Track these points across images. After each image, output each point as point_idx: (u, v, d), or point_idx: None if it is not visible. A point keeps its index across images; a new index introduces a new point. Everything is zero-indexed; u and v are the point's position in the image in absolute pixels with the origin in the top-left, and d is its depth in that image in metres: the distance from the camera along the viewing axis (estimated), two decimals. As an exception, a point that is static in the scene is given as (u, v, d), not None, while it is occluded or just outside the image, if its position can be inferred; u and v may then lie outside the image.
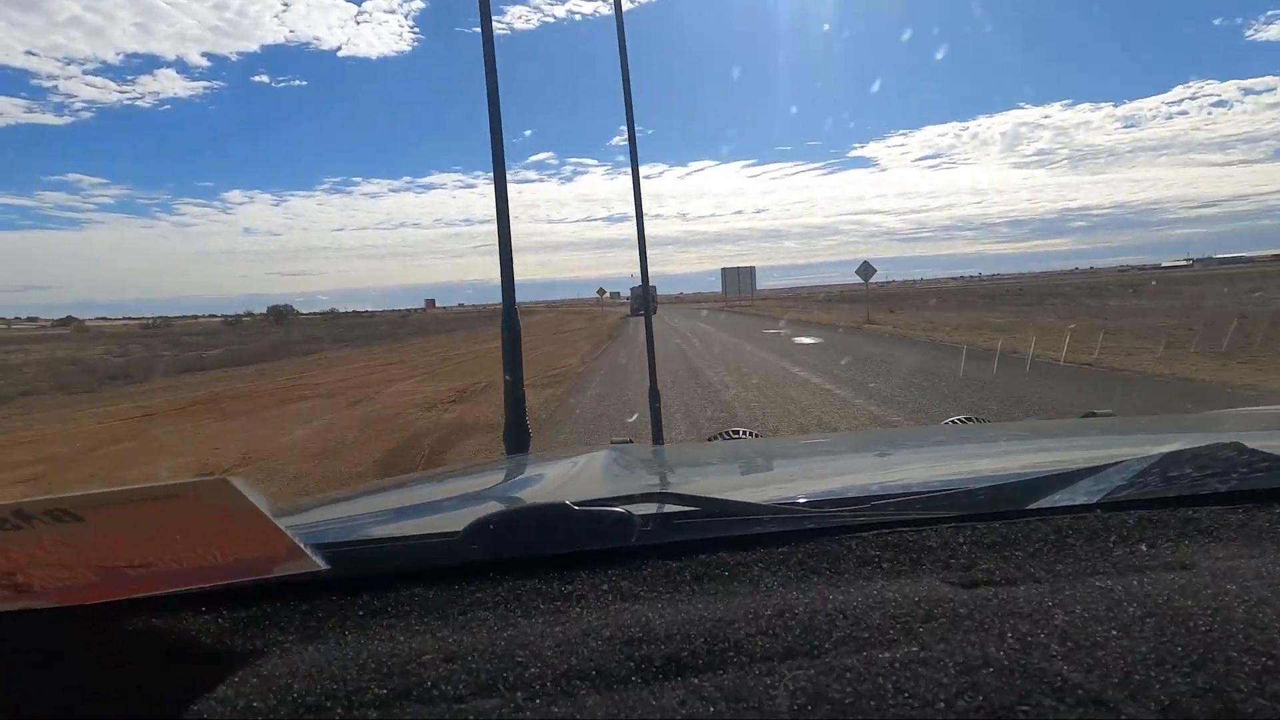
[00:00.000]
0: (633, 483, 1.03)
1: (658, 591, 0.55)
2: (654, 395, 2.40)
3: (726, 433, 1.68)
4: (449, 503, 0.93)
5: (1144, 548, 0.57)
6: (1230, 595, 0.46)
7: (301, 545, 0.50)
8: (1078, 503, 0.66)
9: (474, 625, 0.53)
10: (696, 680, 0.41)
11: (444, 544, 0.63)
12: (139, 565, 0.47)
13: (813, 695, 0.39)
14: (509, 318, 1.85)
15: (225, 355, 21.93)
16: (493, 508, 0.68)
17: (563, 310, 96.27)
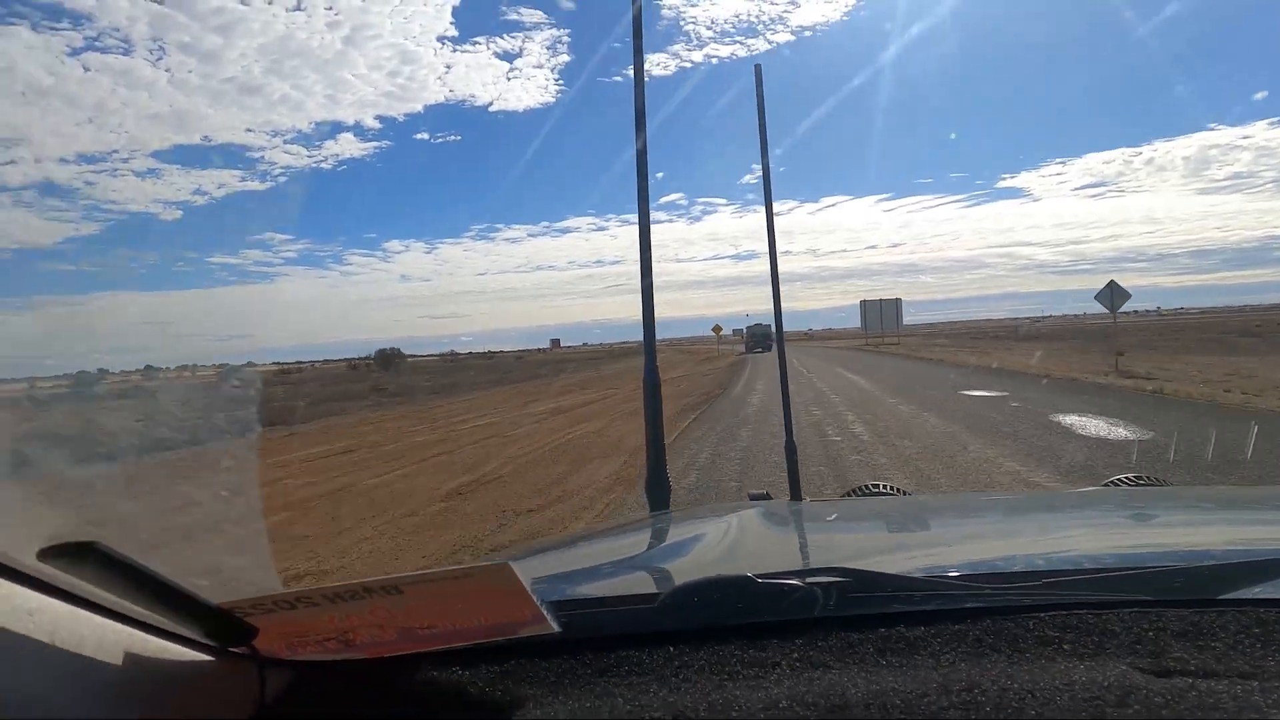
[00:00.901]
0: (790, 546, 1.07)
1: (845, 662, 0.58)
2: (790, 449, 2.51)
3: (865, 487, 1.62)
4: (641, 560, 1.01)
5: None
6: None
7: (543, 610, 0.59)
8: (1272, 596, 0.61)
9: (686, 687, 0.58)
10: None
11: (650, 610, 0.68)
12: (427, 626, 0.59)
13: None
14: (650, 373, 2.05)
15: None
16: (685, 575, 0.75)
17: (680, 349, 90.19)
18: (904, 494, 1.68)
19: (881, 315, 55.55)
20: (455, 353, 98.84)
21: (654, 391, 1.97)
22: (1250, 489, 1.69)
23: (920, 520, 1.23)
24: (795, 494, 2.39)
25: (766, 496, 1.68)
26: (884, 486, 1.69)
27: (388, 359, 60.37)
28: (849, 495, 1.60)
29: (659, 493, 1.94)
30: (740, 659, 0.60)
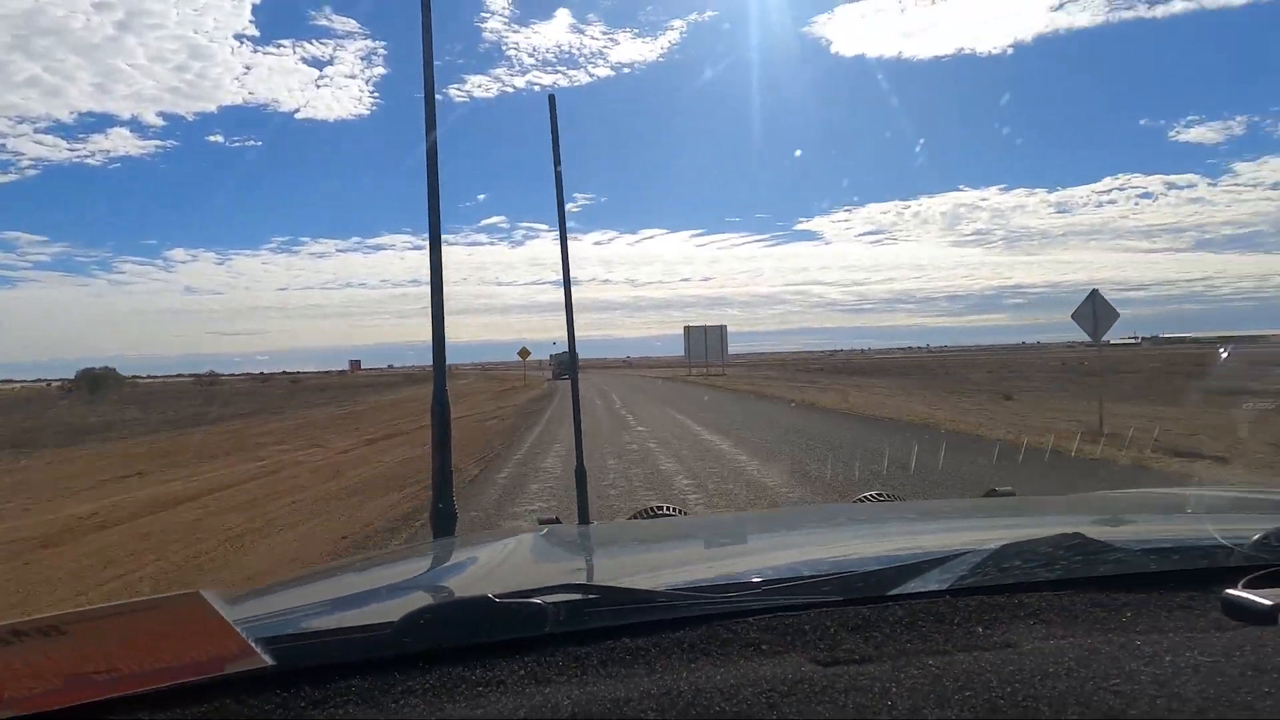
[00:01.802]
0: (555, 569, 1.08)
1: (568, 675, 0.60)
2: (580, 475, 2.49)
3: (650, 509, 1.69)
4: (382, 592, 0.94)
5: (980, 629, 0.64)
6: (1041, 672, 0.53)
7: (250, 642, 0.57)
8: (929, 589, 0.71)
9: (405, 711, 0.57)
10: None
11: (377, 637, 0.66)
12: (105, 671, 0.53)
13: None
14: (440, 395, 1.91)
15: None
16: (423, 600, 0.75)
17: (491, 374, 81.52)
18: (684, 514, 1.74)
19: (706, 342, 50.61)
20: (214, 373, 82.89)
21: (442, 417, 1.85)
22: (963, 501, 2.02)
23: (687, 538, 1.32)
24: (583, 518, 2.39)
25: (556, 521, 1.78)
26: (667, 508, 1.70)
27: (97, 381, 46.71)
28: (635, 517, 1.64)
29: (443, 521, 1.79)
30: (467, 680, 0.60)
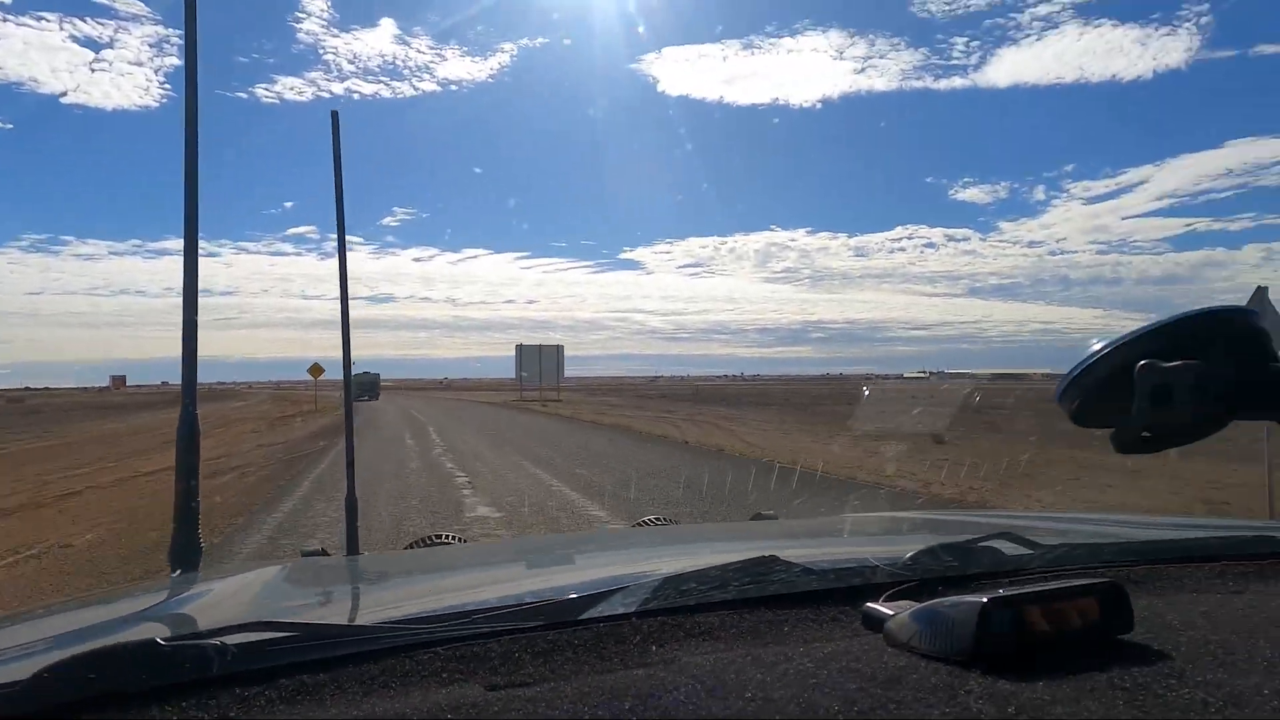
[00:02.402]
0: (279, 605, 1.03)
1: (227, 718, 0.60)
2: (350, 505, 2.46)
3: (427, 539, 1.64)
4: (65, 637, 0.88)
5: (654, 648, 0.66)
6: (695, 683, 0.56)
7: None
8: (618, 612, 0.73)
9: None
10: None
11: (9, 694, 0.60)
12: None
13: None
14: (187, 417, 1.80)
15: None
16: (80, 647, 0.67)
17: (285, 394, 70.25)
18: (462, 541, 1.71)
19: (541, 364, 45.13)
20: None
21: (189, 441, 1.75)
22: (722, 526, 2.07)
23: (444, 568, 1.27)
24: (352, 548, 2.38)
25: (322, 553, 1.79)
26: (446, 536, 1.69)
27: None
28: (412, 546, 1.59)
29: (185, 555, 1.70)
30: None
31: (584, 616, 0.72)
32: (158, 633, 0.76)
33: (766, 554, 0.82)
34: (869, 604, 0.70)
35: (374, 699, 0.59)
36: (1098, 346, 0.52)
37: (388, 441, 16.26)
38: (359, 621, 0.81)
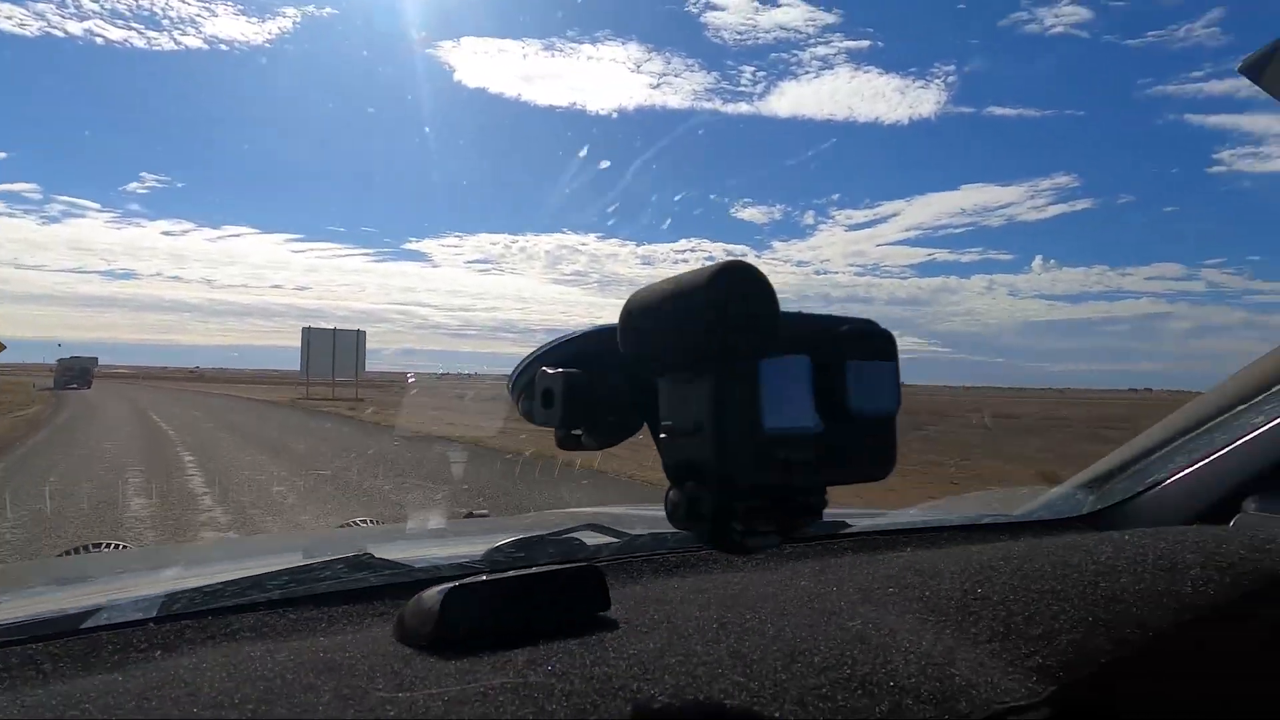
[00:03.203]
0: None
1: None
2: None
3: (85, 546, 1.48)
4: None
5: (158, 654, 0.64)
6: (178, 681, 0.55)
7: None
8: (129, 619, 0.70)
9: None
10: None
11: None
12: None
13: None
14: None
15: None
16: None
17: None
18: (124, 547, 1.53)
19: (336, 353, 35.94)
20: None
21: None
22: (433, 526, 1.66)
23: (54, 579, 1.15)
24: None
25: None
26: (110, 544, 1.51)
27: None
28: (68, 554, 1.45)
29: None
30: None
31: (87, 625, 0.69)
32: None
33: (364, 553, 0.83)
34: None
35: None
36: (528, 352, 0.54)
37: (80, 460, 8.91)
38: None
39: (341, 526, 1.82)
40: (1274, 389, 0.96)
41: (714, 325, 0.40)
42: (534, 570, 0.66)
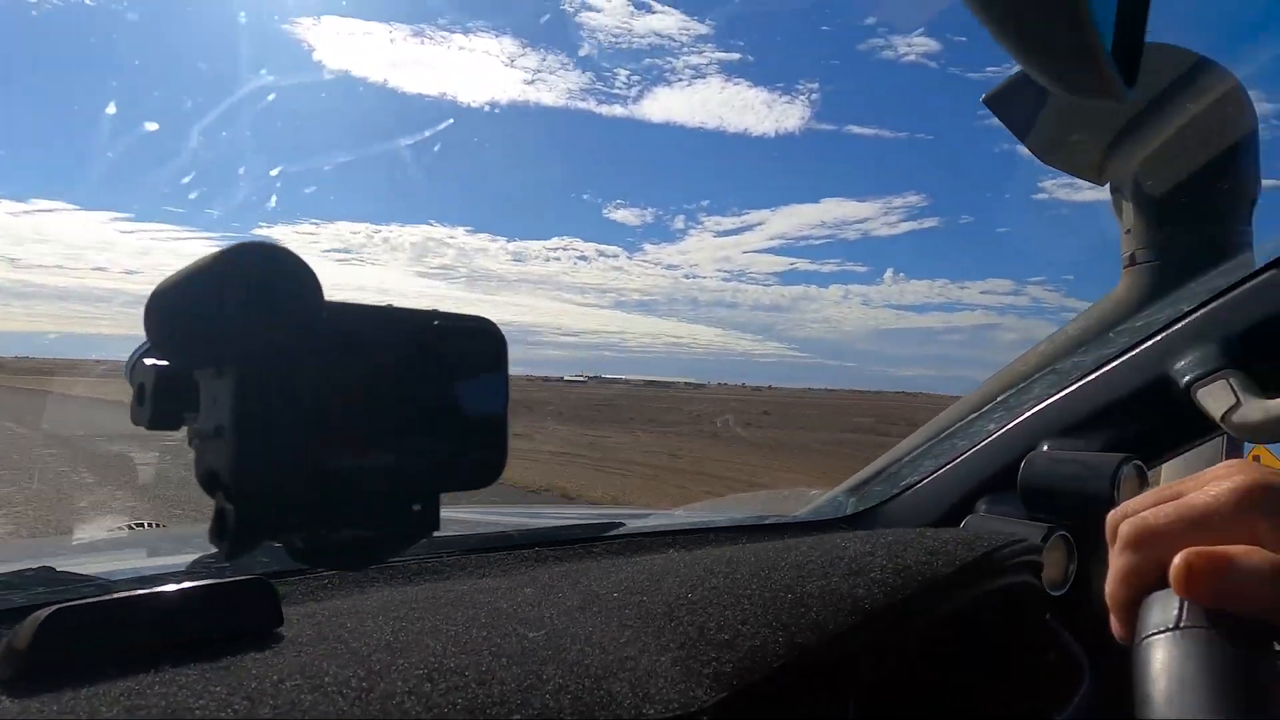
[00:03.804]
0: None
1: None
2: None
3: None
4: None
5: None
6: None
7: None
8: None
9: None
10: None
11: None
12: None
13: None
14: None
15: None
16: None
17: None
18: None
19: None
20: None
21: None
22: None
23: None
24: None
25: None
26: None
27: None
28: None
29: None
30: None
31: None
32: None
33: (43, 565, 0.79)
34: None
35: None
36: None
37: None
38: None
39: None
40: (1002, 397, 1.03)
41: (231, 312, 0.35)
42: (208, 583, 0.59)
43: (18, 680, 0.51)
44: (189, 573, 0.80)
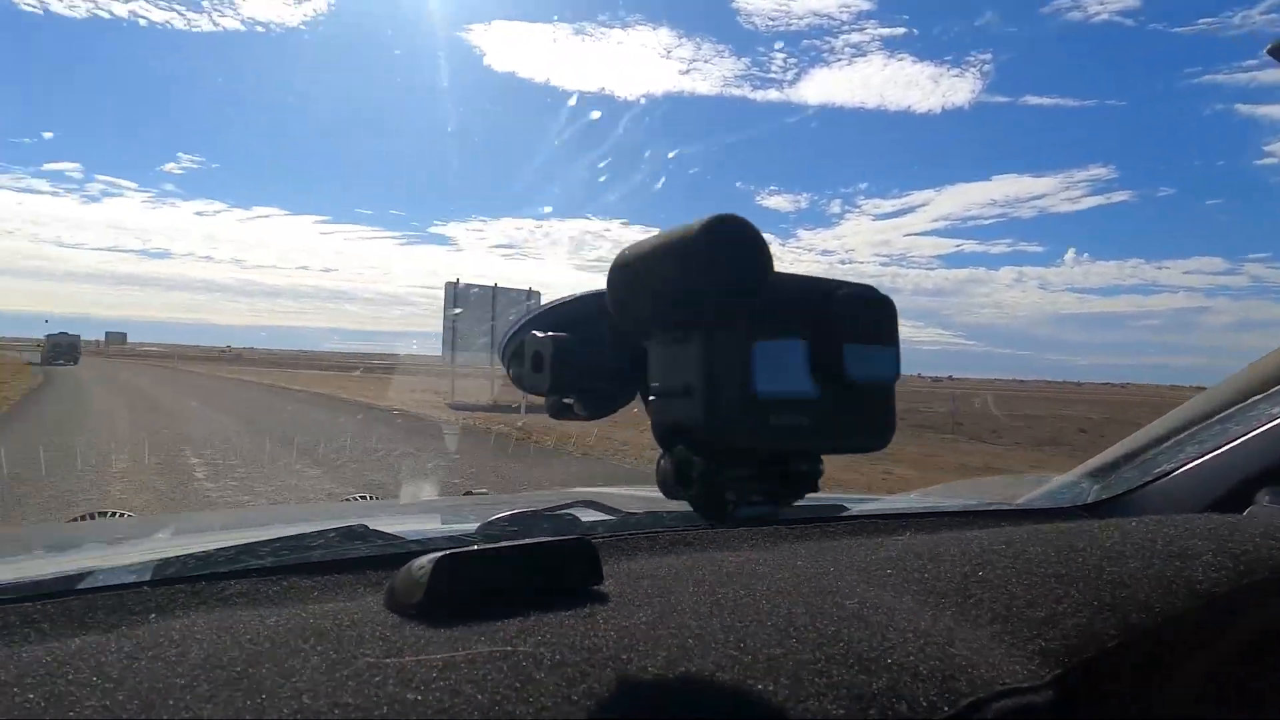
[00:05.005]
0: None
1: None
2: None
3: (92, 514, 1.59)
4: None
5: (153, 617, 0.66)
6: (209, 647, 0.56)
7: None
8: (125, 581, 0.72)
9: None
10: None
11: None
12: None
13: None
14: None
15: None
16: None
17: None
18: (128, 516, 1.69)
19: (495, 322, 19.40)
20: None
21: None
22: (431, 501, 1.89)
23: (74, 542, 1.23)
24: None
25: None
26: (116, 513, 1.64)
27: None
28: (78, 520, 1.53)
29: None
30: None
31: (83, 586, 0.72)
32: None
33: (358, 524, 0.85)
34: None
35: None
36: (515, 318, 0.54)
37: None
38: None
39: (342, 501, 1.70)
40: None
41: (704, 280, 0.38)
42: (525, 542, 0.66)
43: (428, 608, 0.58)
44: (481, 535, 0.88)
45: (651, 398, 0.42)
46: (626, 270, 0.42)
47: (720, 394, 0.39)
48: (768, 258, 0.39)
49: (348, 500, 1.87)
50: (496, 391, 19.31)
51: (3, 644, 0.60)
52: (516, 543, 0.66)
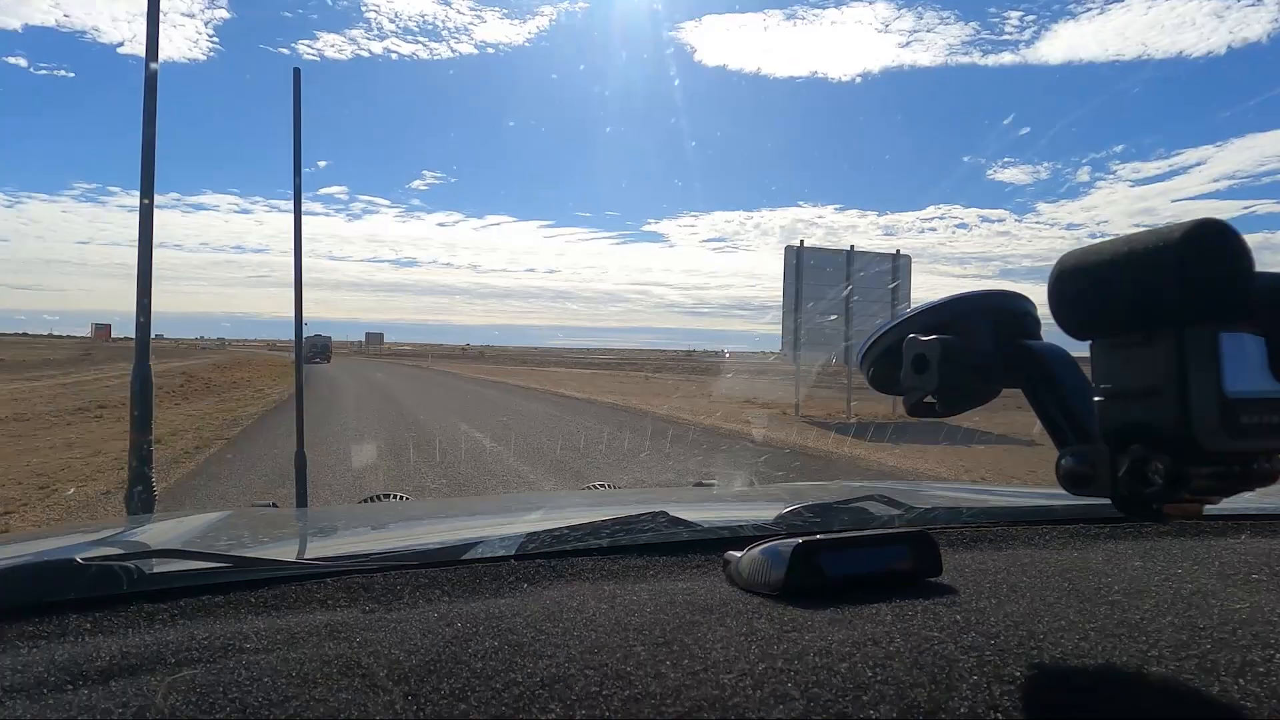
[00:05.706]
0: (209, 540, 1.08)
1: (130, 627, 0.64)
2: (300, 458, 2.69)
3: (378, 495, 1.80)
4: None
5: (525, 585, 0.71)
6: (531, 612, 0.61)
7: None
8: (498, 554, 0.79)
9: None
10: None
11: None
12: None
13: (188, 692, 0.50)
14: (141, 365, 1.97)
15: None
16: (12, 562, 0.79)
17: (240, 360, 55.83)
18: (404, 499, 1.85)
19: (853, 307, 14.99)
20: None
21: (142, 394, 1.99)
22: (664, 490, 2.26)
23: (374, 520, 1.35)
24: (301, 501, 2.61)
25: (272, 506, 1.90)
26: (395, 495, 1.80)
27: None
28: (365, 501, 1.70)
29: (140, 504, 1.95)
30: (26, 633, 0.63)
31: (465, 558, 0.78)
32: (82, 554, 0.81)
33: (659, 510, 0.89)
34: (729, 551, 0.73)
35: (260, 618, 0.64)
36: (881, 322, 0.56)
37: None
38: (264, 556, 0.87)
39: (586, 488, 2.06)
40: None
41: (1187, 284, 0.39)
42: (873, 532, 0.71)
43: (788, 591, 0.61)
44: (783, 524, 0.88)
45: (1098, 399, 0.44)
46: (1082, 274, 0.44)
47: (1194, 395, 0.40)
48: (1250, 262, 0.40)
49: (589, 489, 2.01)
50: (850, 402, 14.49)
51: (407, 604, 0.65)
52: (865, 532, 0.69)
